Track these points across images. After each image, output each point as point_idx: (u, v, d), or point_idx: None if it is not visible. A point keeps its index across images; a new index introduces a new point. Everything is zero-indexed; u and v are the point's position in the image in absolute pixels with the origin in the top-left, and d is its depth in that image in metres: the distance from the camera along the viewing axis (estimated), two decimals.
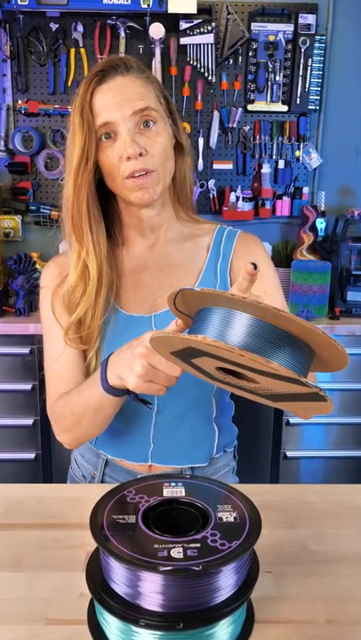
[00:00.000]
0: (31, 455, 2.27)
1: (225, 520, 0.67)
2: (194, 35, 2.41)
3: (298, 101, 2.52)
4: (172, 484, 0.74)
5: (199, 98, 2.52)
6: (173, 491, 0.73)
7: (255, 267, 0.67)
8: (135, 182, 0.95)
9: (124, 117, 0.94)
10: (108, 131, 0.95)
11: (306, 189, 2.63)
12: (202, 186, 2.62)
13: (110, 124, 0.94)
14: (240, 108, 2.55)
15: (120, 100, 0.94)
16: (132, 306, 1.05)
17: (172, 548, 0.62)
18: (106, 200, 1.03)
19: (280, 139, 2.60)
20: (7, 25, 2.43)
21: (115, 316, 1.03)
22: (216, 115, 2.55)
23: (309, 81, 2.50)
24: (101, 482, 1.11)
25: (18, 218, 2.58)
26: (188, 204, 1.10)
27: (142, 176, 0.95)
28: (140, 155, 0.94)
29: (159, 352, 0.73)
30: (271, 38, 2.47)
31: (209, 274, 1.05)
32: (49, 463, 2.30)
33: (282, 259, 2.53)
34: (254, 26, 2.46)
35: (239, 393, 0.72)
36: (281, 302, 1.06)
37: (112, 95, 0.94)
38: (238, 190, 2.59)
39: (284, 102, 2.55)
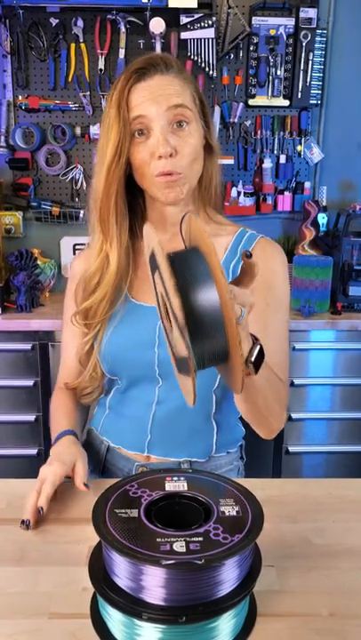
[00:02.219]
0: (33, 451, 2.28)
1: (227, 514, 0.67)
2: (194, 29, 2.40)
3: (299, 96, 2.51)
4: (175, 478, 0.74)
5: None
6: (176, 485, 0.73)
7: (249, 255, 0.68)
8: (163, 180, 0.97)
9: (158, 113, 0.95)
10: (142, 126, 0.96)
11: (307, 184, 2.62)
12: None
13: (144, 117, 0.96)
14: (241, 103, 2.54)
15: (157, 96, 0.96)
16: (143, 295, 1.08)
17: (174, 541, 0.62)
18: (131, 194, 1.05)
19: (281, 133, 2.59)
20: (7, 20, 2.42)
21: (123, 305, 1.06)
22: (217, 109, 2.54)
23: (311, 75, 2.49)
24: (103, 468, 1.14)
25: (19, 214, 2.58)
26: (213, 204, 1.11)
27: (170, 175, 0.97)
28: (171, 155, 0.95)
29: (146, 248, 0.74)
30: (272, 32, 2.46)
31: None
32: None
33: None
34: (255, 20, 2.45)
35: (168, 348, 0.73)
36: (278, 320, 1.04)
37: (149, 92, 0.96)
38: (240, 185, 2.58)
39: (285, 97, 2.54)
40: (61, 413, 1.12)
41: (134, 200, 1.08)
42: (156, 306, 0.74)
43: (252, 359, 0.76)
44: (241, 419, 1.19)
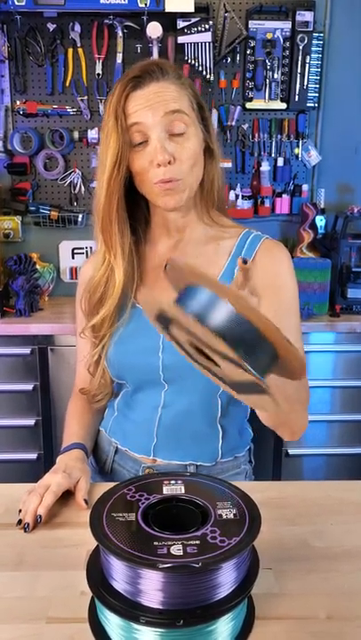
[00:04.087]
0: (33, 455, 2.28)
1: (224, 517, 0.67)
2: (191, 33, 2.41)
3: (296, 99, 2.52)
4: (172, 481, 0.74)
5: None
6: (173, 488, 0.73)
7: (245, 262, 0.68)
8: (162, 187, 0.97)
9: (155, 120, 0.95)
10: (140, 133, 0.97)
11: (305, 187, 2.63)
12: None
13: (141, 125, 0.96)
14: (238, 107, 2.55)
15: (153, 103, 0.96)
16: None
17: (171, 545, 0.62)
18: (132, 199, 1.05)
19: (279, 136, 2.60)
20: (4, 26, 2.42)
21: (130, 311, 1.07)
22: (214, 113, 2.55)
23: (308, 78, 2.50)
24: (111, 468, 1.15)
25: (17, 218, 2.58)
26: (217, 207, 1.11)
27: (169, 182, 0.97)
28: (169, 162, 0.95)
29: (149, 315, 0.71)
30: (269, 36, 2.47)
31: (226, 277, 1.06)
32: (50, 463, 2.30)
33: None
34: (252, 24, 2.46)
35: (213, 379, 0.71)
36: (290, 324, 1.00)
37: (145, 99, 0.96)
38: (238, 188, 2.59)
39: (282, 100, 2.54)
40: (76, 420, 1.15)
41: (135, 205, 1.08)
42: (184, 353, 0.71)
43: None
44: (249, 422, 1.19)
